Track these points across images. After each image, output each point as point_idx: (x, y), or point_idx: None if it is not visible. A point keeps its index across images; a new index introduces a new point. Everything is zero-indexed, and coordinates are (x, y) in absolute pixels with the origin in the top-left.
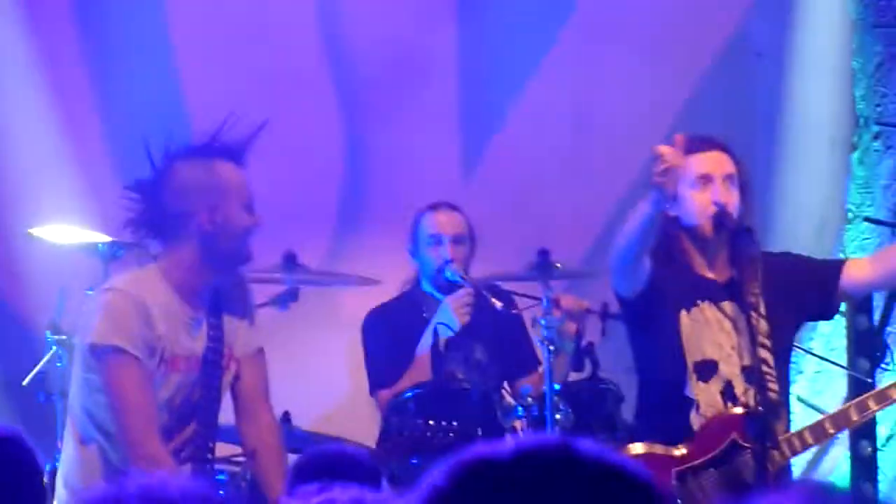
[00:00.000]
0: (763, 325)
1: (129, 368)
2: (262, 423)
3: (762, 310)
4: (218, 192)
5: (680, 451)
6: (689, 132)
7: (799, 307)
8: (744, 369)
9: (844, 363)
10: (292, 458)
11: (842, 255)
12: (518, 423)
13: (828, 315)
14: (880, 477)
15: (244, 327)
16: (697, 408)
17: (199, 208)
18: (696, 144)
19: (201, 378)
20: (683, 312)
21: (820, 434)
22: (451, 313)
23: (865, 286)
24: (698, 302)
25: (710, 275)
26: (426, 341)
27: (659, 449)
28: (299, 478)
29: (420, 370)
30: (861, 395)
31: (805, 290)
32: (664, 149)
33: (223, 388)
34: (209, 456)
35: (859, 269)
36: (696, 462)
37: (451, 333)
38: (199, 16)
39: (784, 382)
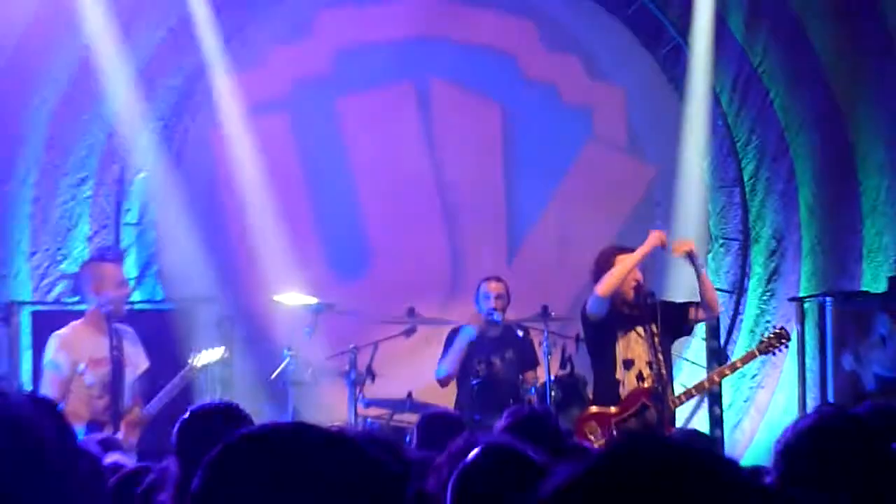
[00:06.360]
0: (657, 340)
1: (48, 375)
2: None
3: (658, 331)
4: (101, 280)
5: (614, 410)
6: (621, 244)
7: (674, 331)
8: (647, 363)
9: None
10: (413, 417)
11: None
12: (531, 398)
13: (686, 332)
14: (725, 428)
15: (132, 348)
16: (623, 385)
17: (91, 288)
18: (621, 249)
19: (112, 370)
20: (619, 334)
21: (688, 396)
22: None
23: (698, 319)
24: (627, 329)
25: (632, 313)
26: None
27: (604, 409)
28: (424, 428)
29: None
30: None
31: (675, 323)
32: (662, 236)
33: (126, 377)
34: (120, 410)
35: (694, 310)
36: (623, 416)
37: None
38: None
39: (669, 371)
